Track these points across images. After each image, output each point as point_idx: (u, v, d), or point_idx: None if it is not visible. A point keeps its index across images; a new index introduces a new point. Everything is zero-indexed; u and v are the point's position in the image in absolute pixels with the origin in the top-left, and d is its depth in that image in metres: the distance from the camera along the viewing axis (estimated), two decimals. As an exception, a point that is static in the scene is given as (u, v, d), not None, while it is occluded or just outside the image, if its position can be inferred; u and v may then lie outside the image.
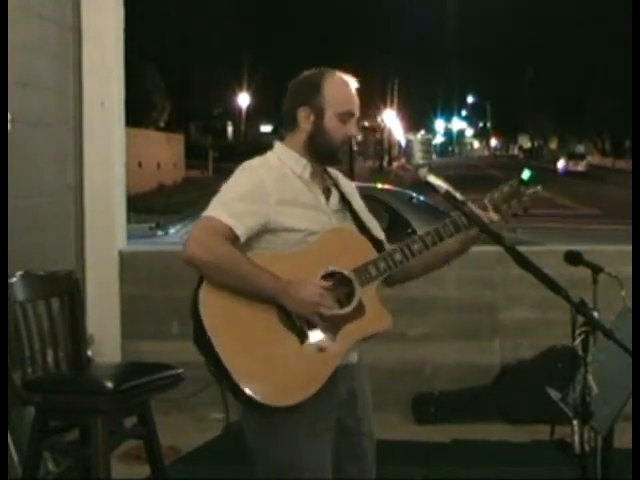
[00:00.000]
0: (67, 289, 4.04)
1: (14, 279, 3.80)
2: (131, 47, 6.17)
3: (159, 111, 38.43)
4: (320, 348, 2.57)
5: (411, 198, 8.76)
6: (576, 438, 2.56)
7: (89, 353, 4.43)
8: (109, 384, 3.61)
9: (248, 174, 2.64)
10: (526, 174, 2.79)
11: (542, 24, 54.17)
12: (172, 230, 8.53)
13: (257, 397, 2.49)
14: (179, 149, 39.16)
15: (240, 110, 48.76)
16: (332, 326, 2.58)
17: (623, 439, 3.25)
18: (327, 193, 2.76)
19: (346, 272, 2.61)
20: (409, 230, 7.70)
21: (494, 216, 2.73)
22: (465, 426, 5.32)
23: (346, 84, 2.73)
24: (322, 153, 2.71)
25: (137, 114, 26.60)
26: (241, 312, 2.53)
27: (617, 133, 55.93)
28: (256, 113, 51.00)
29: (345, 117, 2.69)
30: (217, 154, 42.75)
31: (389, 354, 5.53)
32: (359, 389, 2.78)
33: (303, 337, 2.56)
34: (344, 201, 2.79)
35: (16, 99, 4.41)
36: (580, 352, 2.52)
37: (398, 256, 2.67)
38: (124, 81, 5.55)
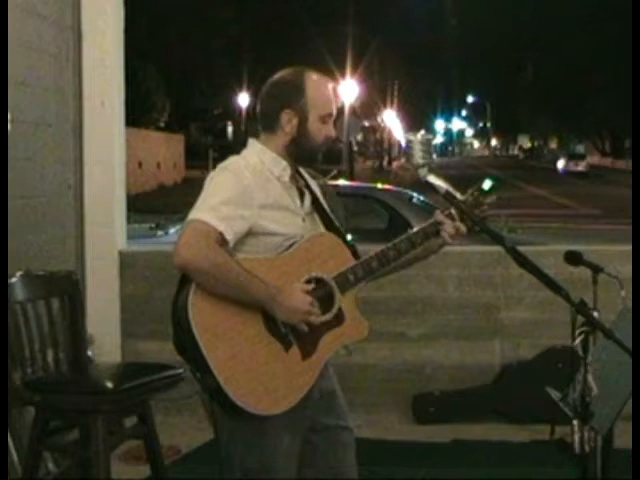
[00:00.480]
0: (67, 289, 4.04)
1: (14, 279, 3.80)
2: (131, 47, 6.17)
3: (159, 111, 38.41)
4: (304, 356, 2.58)
5: (411, 198, 8.76)
6: (576, 438, 2.56)
7: (89, 353, 4.43)
8: (109, 384, 3.61)
9: (233, 176, 2.61)
10: (487, 184, 2.84)
11: (542, 24, 54.12)
12: (172, 230, 8.51)
13: (244, 405, 2.49)
14: (179, 149, 39.14)
15: (240, 110, 48.75)
16: (315, 334, 2.59)
17: (623, 439, 3.26)
18: (301, 195, 2.76)
19: (327, 278, 2.62)
20: (409, 230, 7.68)
21: (463, 227, 2.76)
22: (465, 426, 5.32)
23: (326, 85, 2.74)
24: (303, 155, 2.72)
25: (137, 114, 26.62)
26: (229, 319, 2.52)
27: (617, 133, 55.91)
28: (256, 113, 50.93)
29: (326, 118, 2.71)
30: (217, 154, 42.72)
31: (389, 354, 5.54)
32: (330, 386, 2.80)
33: (288, 345, 2.56)
34: (315, 202, 2.80)
35: (16, 99, 4.41)
36: (580, 352, 2.52)
37: (375, 264, 2.69)
38: (124, 81, 5.55)
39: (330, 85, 2.76)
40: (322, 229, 2.76)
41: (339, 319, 2.63)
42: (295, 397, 2.57)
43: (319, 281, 2.61)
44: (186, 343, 2.51)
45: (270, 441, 2.61)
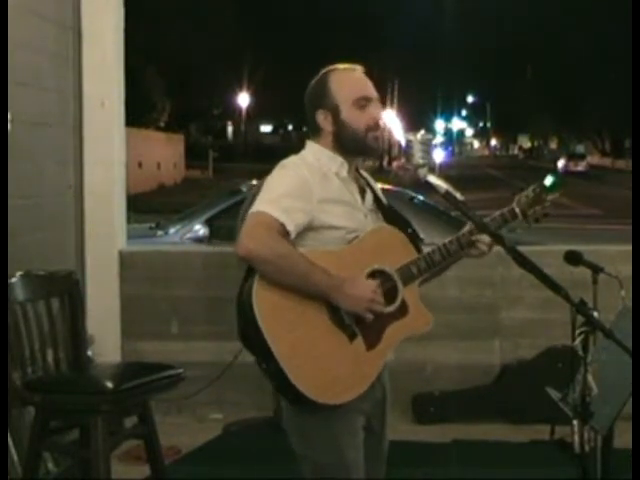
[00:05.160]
0: (67, 289, 4.04)
1: (14, 279, 3.80)
2: (131, 47, 6.17)
3: (159, 111, 38.41)
4: (369, 347, 2.59)
5: (411, 198, 8.75)
6: (576, 438, 2.57)
7: (89, 353, 4.43)
8: (109, 384, 3.61)
9: (292, 172, 2.64)
10: (549, 180, 2.81)
11: (542, 24, 54.11)
12: (172, 230, 8.50)
13: (308, 394, 2.50)
14: (179, 149, 39.15)
15: (240, 110, 48.77)
16: (379, 325, 2.61)
17: (623, 439, 3.26)
18: (362, 192, 2.78)
19: (390, 270, 2.63)
20: (409, 230, 7.68)
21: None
22: (465, 426, 5.32)
23: (350, 73, 2.74)
24: (351, 146, 2.71)
25: (137, 114, 26.57)
26: (293, 309, 2.53)
27: (617, 133, 55.89)
28: (256, 113, 50.97)
29: (362, 103, 2.69)
30: (217, 154, 42.72)
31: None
32: (388, 390, 2.85)
33: (352, 336, 2.57)
34: (378, 201, 2.82)
35: (16, 99, 4.40)
36: (580, 352, 2.52)
37: (437, 256, 2.71)
38: (124, 81, 5.55)
39: (356, 71, 2.75)
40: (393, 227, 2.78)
41: (403, 311, 2.66)
42: (359, 388, 2.59)
43: (382, 273, 2.63)
44: (249, 332, 2.51)
45: (339, 435, 2.61)
